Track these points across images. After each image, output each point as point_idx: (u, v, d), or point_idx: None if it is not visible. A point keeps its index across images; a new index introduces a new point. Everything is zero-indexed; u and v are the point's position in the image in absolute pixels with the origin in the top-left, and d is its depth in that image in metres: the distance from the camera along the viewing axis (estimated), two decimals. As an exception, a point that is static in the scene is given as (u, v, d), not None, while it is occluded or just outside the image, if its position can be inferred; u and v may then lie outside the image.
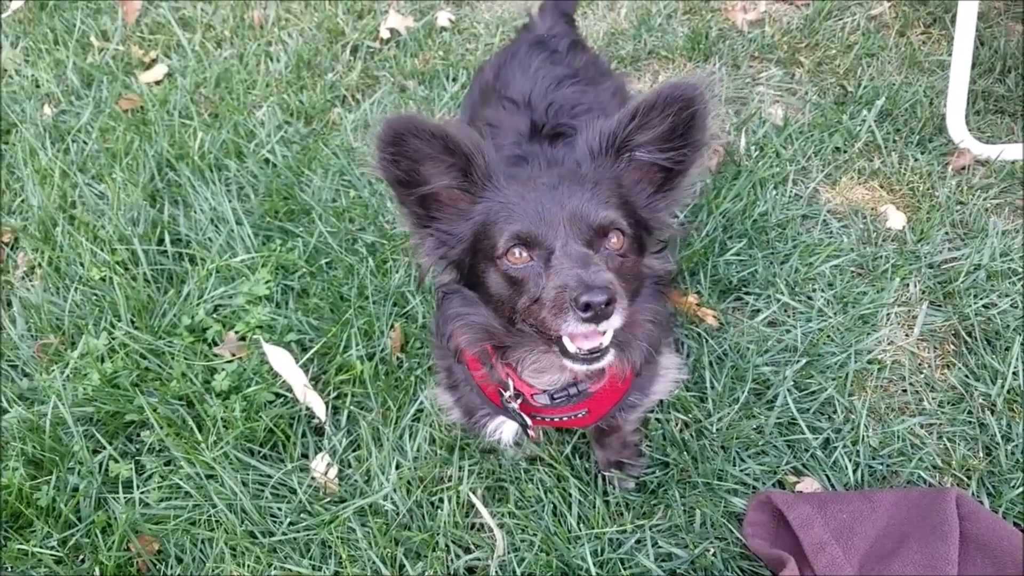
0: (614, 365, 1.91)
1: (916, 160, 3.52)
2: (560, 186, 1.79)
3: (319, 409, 2.85)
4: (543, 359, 1.95)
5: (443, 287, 2.01)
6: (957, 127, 3.57)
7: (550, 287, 1.65)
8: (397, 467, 2.72)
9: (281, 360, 2.93)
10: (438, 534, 2.57)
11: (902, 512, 2.46)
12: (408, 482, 2.70)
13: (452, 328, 1.97)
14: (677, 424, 2.77)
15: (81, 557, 2.62)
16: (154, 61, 4.47)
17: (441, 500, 2.66)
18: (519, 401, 2.11)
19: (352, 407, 2.88)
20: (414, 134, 1.71)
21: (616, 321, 1.63)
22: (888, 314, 3.04)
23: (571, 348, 1.72)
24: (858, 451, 2.69)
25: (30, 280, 3.40)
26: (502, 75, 2.81)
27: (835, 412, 2.79)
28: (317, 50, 4.36)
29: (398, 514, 2.63)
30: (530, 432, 2.26)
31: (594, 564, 2.46)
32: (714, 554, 2.51)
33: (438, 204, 1.89)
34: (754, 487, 2.63)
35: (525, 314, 1.75)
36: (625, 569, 2.48)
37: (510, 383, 2.06)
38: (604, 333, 1.70)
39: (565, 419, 2.23)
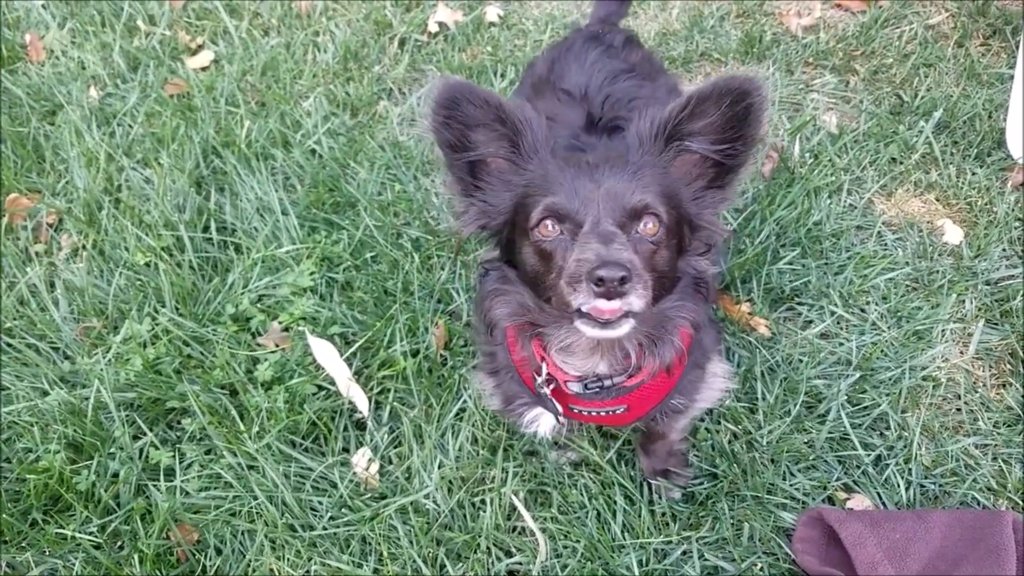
0: (646, 361, 1.90)
1: (974, 174, 3.44)
2: (602, 166, 1.77)
3: (362, 404, 2.82)
4: (570, 337, 1.90)
5: (485, 263, 2.01)
6: (1016, 143, 3.48)
7: (571, 260, 1.64)
8: (439, 466, 2.68)
9: (325, 353, 2.90)
10: (480, 536, 2.53)
11: (956, 534, 2.40)
12: (450, 482, 2.66)
13: (489, 302, 1.96)
14: (726, 435, 2.71)
15: (120, 544, 2.60)
16: (200, 47, 4.46)
17: (483, 502, 2.62)
18: (552, 387, 2.07)
19: (395, 403, 2.85)
20: (468, 99, 1.73)
21: (634, 302, 1.60)
22: (943, 330, 2.96)
23: (588, 303, 1.63)
24: (910, 469, 2.63)
25: (74, 262, 3.40)
26: (556, 68, 2.78)
27: (888, 428, 2.73)
28: (364, 42, 4.33)
29: (440, 514, 2.59)
30: (561, 419, 2.20)
31: (639, 574, 2.41)
32: (762, 569, 2.46)
33: (484, 173, 1.89)
34: (804, 502, 2.57)
35: (551, 288, 1.73)
36: (671, 581, 2.44)
37: (544, 367, 2.03)
38: (622, 316, 1.64)
39: (603, 414, 2.17)
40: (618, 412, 2.16)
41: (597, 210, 1.68)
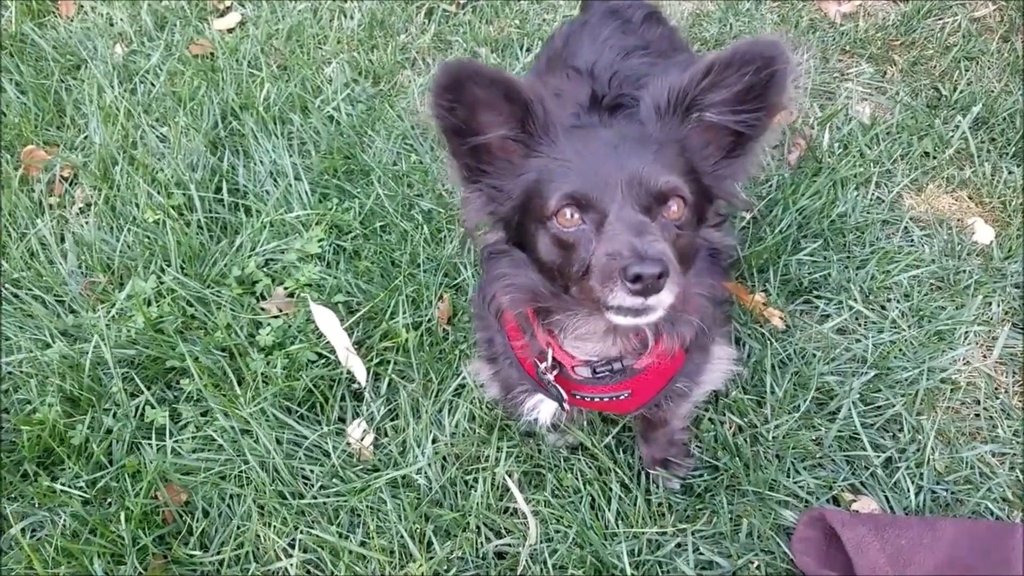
0: (663, 341, 1.81)
1: (1010, 173, 3.31)
2: (621, 145, 1.67)
3: (360, 374, 2.77)
4: (587, 325, 1.82)
5: (490, 247, 1.88)
6: (1058, 141, 3.34)
7: (600, 253, 1.54)
8: (434, 441, 2.63)
9: (327, 320, 2.86)
10: (470, 515, 2.48)
11: (965, 544, 2.30)
12: (443, 458, 2.61)
13: (496, 288, 1.84)
14: (731, 427, 2.63)
15: (108, 501, 2.58)
16: (228, 9, 4.42)
17: (476, 480, 2.56)
18: (556, 373, 1.99)
19: (393, 375, 2.80)
20: (474, 80, 1.60)
21: (666, 298, 1.51)
22: (967, 332, 2.85)
23: (623, 302, 1.54)
24: (922, 474, 2.53)
25: (84, 217, 3.38)
26: (571, 43, 2.69)
27: (901, 430, 2.62)
28: (392, 10, 4.26)
29: (431, 490, 2.54)
30: (565, 406, 2.12)
31: (630, 564, 2.35)
32: (758, 567, 2.38)
33: (490, 157, 1.77)
34: (807, 501, 2.48)
35: (573, 280, 1.64)
36: (662, 573, 2.36)
37: (549, 352, 1.94)
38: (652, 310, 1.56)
39: (606, 400, 2.09)
40: (622, 398, 2.08)
41: (621, 196, 1.58)
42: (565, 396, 2.06)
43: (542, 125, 1.70)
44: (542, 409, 2.25)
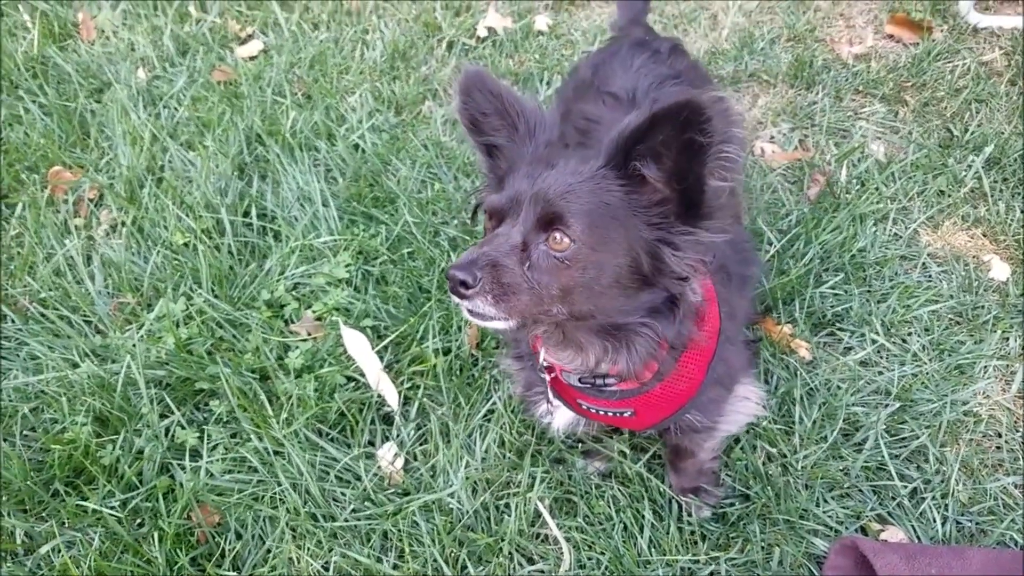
0: (606, 366, 1.91)
1: (1023, 212, 3.38)
2: (553, 170, 1.72)
3: (391, 397, 2.79)
4: (551, 330, 1.92)
5: None
6: (1068, 183, 3.43)
7: None
8: (465, 466, 2.64)
9: (357, 344, 2.88)
10: (503, 540, 2.49)
11: (992, 572, 2.33)
12: (475, 483, 2.62)
13: None
14: (761, 456, 2.66)
15: (140, 521, 2.57)
16: (250, 36, 4.49)
17: (508, 505, 2.57)
18: (553, 376, 2.11)
19: (423, 399, 2.81)
20: (478, 88, 1.82)
21: (481, 307, 1.64)
22: (986, 367, 2.90)
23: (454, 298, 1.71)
24: (947, 505, 2.56)
25: (112, 238, 3.40)
26: (601, 72, 2.78)
27: (926, 461, 2.66)
28: (413, 42, 4.34)
29: (463, 514, 2.55)
30: (551, 402, 2.22)
31: (664, 591, 2.36)
32: (790, 595, 2.40)
33: (500, 156, 1.93)
34: (836, 530, 2.50)
35: None
36: (696, 600, 2.38)
37: (542, 352, 2.05)
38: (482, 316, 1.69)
39: (610, 414, 2.15)
40: (625, 415, 2.14)
41: (522, 213, 1.69)
42: (552, 389, 2.16)
43: (522, 138, 1.86)
44: (556, 415, 2.32)
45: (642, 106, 2.46)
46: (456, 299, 1.66)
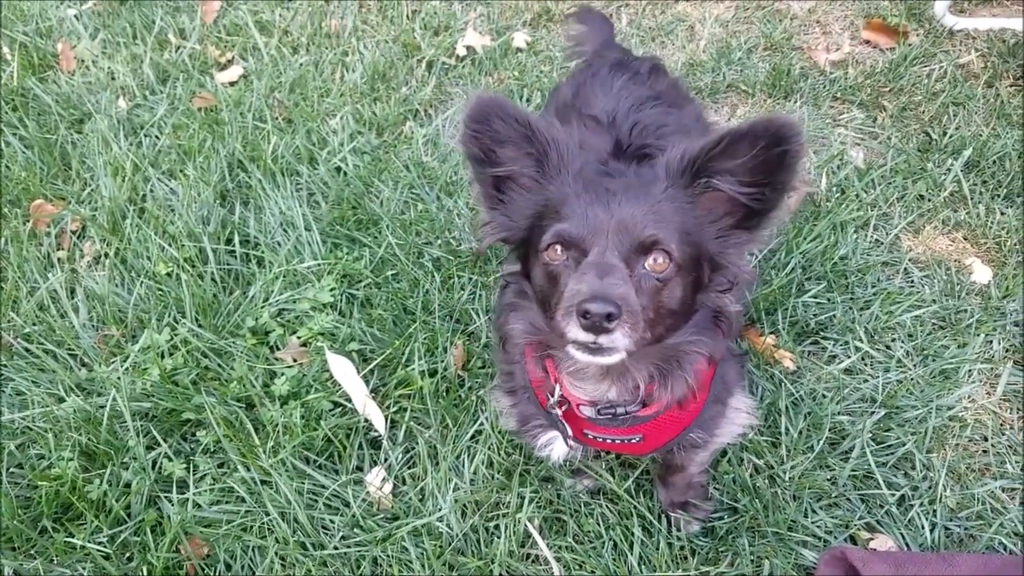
0: (657, 392, 1.88)
1: (1003, 214, 3.40)
2: (620, 194, 1.73)
3: (378, 422, 2.79)
4: (578, 363, 1.87)
5: (506, 276, 2.00)
6: (1047, 183, 3.45)
7: (569, 289, 1.62)
8: (454, 488, 2.64)
9: (343, 369, 2.88)
10: (493, 562, 2.48)
11: (982, 579, 2.33)
12: (464, 505, 2.62)
13: (506, 316, 1.95)
14: (748, 468, 2.66)
15: (129, 555, 2.56)
16: (230, 62, 4.50)
17: (497, 527, 2.57)
18: (564, 409, 2.05)
19: (411, 423, 2.81)
20: (500, 116, 1.74)
21: (620, 340, 1.57)
22: (970, 371, 2.91)
23: (578, 336, 1.61)
24: (935, 511, 2.57)
25: (95, 270, 3.40)
26: (582, 93, 2.78)
27: (913, 468, 2.67)
28: (392, 63, 4.35)
29: (453, 538, 2.55)
30: (570, 442, 2.17)
31: (655, 608, 2.36)
32: (781, 608, 2.40)
33: (510, 187, 1.88)
34: (825, 541, 2.51)
35: (552, 312, 1.71)
36: (688, 616, 2.38)
37: (556, 388, 2.01)
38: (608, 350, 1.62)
39: (618, 442, 2.14)
40: (633, 441, 2.13)
41: (605, 240, 1.65)
42: (570, 431, 2.11)
43: (555, 167, 1.81)
44: (555, 446, 2.29)
45: (620, 127, 2.52)
46: (586, 335, 1.57)
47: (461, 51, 4.40)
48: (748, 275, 1.88)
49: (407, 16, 4.68)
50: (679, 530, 2.53)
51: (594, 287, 1.55)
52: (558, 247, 1.71)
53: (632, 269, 1.66)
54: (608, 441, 2.15)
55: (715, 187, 1.74)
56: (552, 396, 2.03)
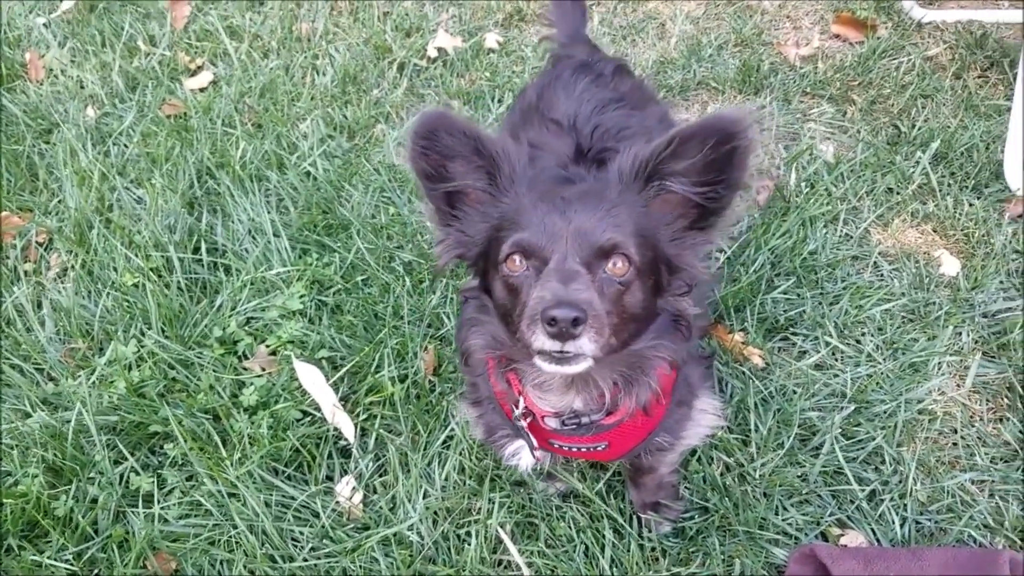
0: (621, 399, 1.87)
1: (971, 206, 3.41)
2: (575, 202, 1.72)
3: (348, 430, 2.77)
4: (543, 375, 1.87)
5: (465, 292, 1.97)
6: (1014, 174, 3.45)
7: (532, 298, 1.60)
8: (424, 496, 2.63)
9: (311, 378, 2.86)
10: (464, 570, 2.47)
11: (952, 572, 2.34)
12: (435, 512, 2.61)
13: (466, 331, 1.93)
14: (719, 467, 2.66)
15: (96, 572, 2.54)
16: (200, 68, 4.47)
17: (468, 534, 2.56)
18: (529, 420, 2.03)
19: (381, 430, 2.80)
20: (447, 131, 1.71)
21: (587, 346, 1.55)
22: (940, 363, 2.91)
23: (544, 346, 1.58)
24: (906, 505, 2.57)
25: (62, 282, 3.37)
26: (546, 96, 2.76)
27: (883, 463, 2.67)
28: (364, 66, 4.33)
29: (423, 546, 2.53)
30: (536, 453, 2.16)
31: (626, 610, 2.35)
32: (752, 607, 2.40)
33: (462, 203, 1.86)
34: (796, 538, 2.51)
35: (516, 324, 1.68)
36: (659, 618, 2.37)
37: (521, 400, 1.99)
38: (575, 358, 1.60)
39: (584, 450, 2.13)
40: (599, 449, 2.12)
41: (564, 247, 1.64)
42: (536, 443, 2.10)
43: (507, 178, 1.79)
44: (523, 455, 2.27)
45: (581, 130, 2.50)
46: (552, 343, 1.55)
47: (432, 53, 4.38)
48: (705, 276, 1.87)
49: (378, 18, 4.66)
50: (650, 531, 2.53)
51: (558, 293, 1.54)
52: (517, 257, 1.69)
53: (594, 274, 1.64)
54: (574, 449, 2.14)
55: (668, 189, 1.73)
56: (517, 408, 2.02)
